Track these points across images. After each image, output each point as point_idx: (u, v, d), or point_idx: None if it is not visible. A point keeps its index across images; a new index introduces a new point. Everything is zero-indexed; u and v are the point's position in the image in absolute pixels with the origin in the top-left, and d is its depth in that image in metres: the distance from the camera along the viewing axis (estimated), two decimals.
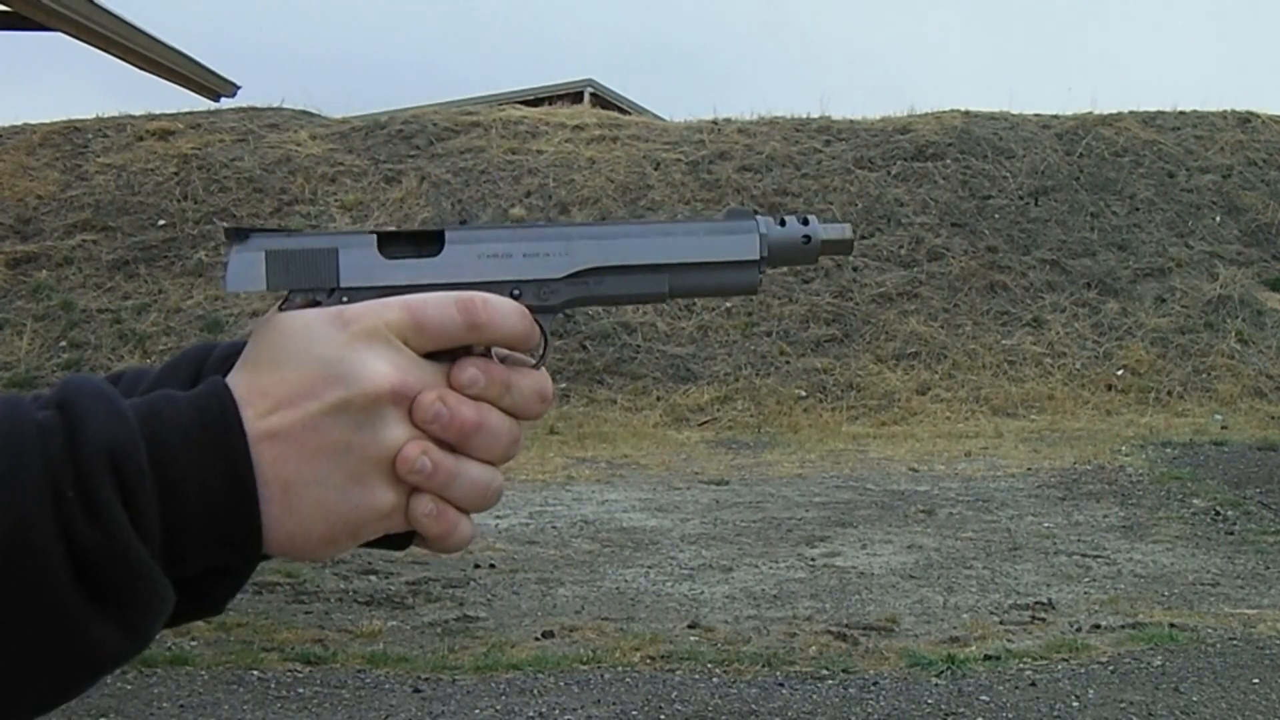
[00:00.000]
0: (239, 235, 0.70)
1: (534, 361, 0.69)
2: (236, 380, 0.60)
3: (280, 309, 0.65)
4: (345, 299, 0.67)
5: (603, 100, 19.84)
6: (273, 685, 4.84)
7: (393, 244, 0.69)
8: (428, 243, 0.70)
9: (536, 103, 17.86)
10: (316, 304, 0.67)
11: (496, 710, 4.58)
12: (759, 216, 0.78)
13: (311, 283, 0.68)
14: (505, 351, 0.67)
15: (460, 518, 0.63)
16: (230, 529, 0.58)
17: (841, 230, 0.82)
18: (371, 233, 0.69)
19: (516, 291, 0.70)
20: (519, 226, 0.72)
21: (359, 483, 0.60)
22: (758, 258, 0.77)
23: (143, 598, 0.55)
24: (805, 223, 0.80)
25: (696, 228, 0.77)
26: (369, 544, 0.64)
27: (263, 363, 0.61)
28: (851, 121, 16.44)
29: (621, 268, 0.74)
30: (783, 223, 0.79)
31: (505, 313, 0.64)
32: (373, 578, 6.46)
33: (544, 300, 0.71)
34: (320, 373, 0.60)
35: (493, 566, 6.73)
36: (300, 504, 0.59)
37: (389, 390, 0.60)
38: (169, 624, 0.62)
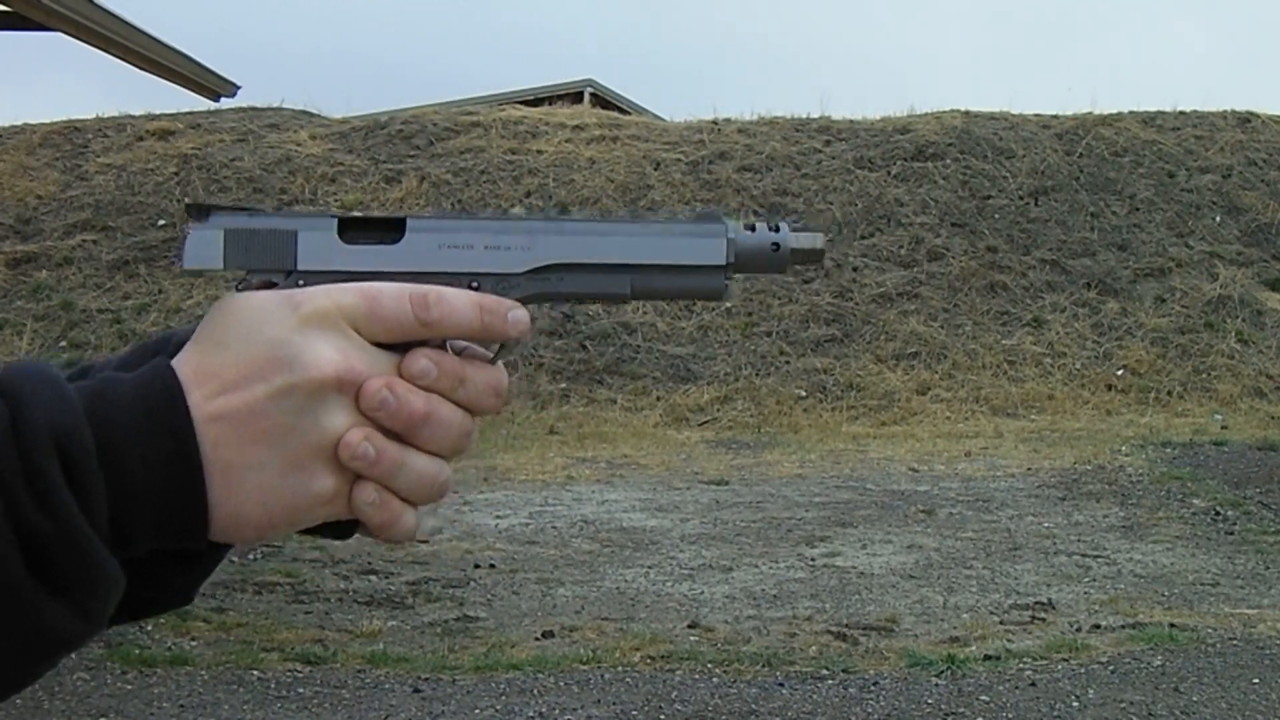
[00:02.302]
0: (200, 212, 0.68)
1: (490, 355, 0.68)
2: (185, 360, 0.60)
3: (236, 289, 0.64)
4: (301, 282, 0.66)
5: (603, 100, 19.84)
6: (273, 685, 4.84)
7: (354, 229, 0.68)
8: (389, 230, 0.69)
9: (536, 103, 17.86)
10: (272, 285, 0.66)
11: (496, 710, 4.58)
12: (728, 221, 0.76)
13: (269, 264, 0.67)
14: (464, 344, 0.66)
15: (404, 508, 0.62)
16: (176, 510, 0.57)
17: (812, 239, 0.79)
18: (333, 216, 0.69)
19: (475, 284, 0.68)
20: (482, 217, 0.71)
21: (300, 468, 0.60)
22: (724, 263, 0.75)
23: (92, 578, 0.55)
24: (776, 229, 0.78)
25: (663, 229, 0.75)
26: (310, 531, 0.64)
27: (212, 343, 0.60)
28: (851, 121, 16.44)
29: (583, 265, 0.72)
30: (752, 228, 0.77)
31: (459, 308, 0.64)
32: (373, 578, 6.46)
33: (503, 294, 0.69)
34: (267, 355, 0.59)
35: (493, 566, 6.73)
36: (239, 487, 0.59)
37: (334, 376, 0.60)
38: (137, 615, 0.62)
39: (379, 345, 0.62)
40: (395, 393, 0.61)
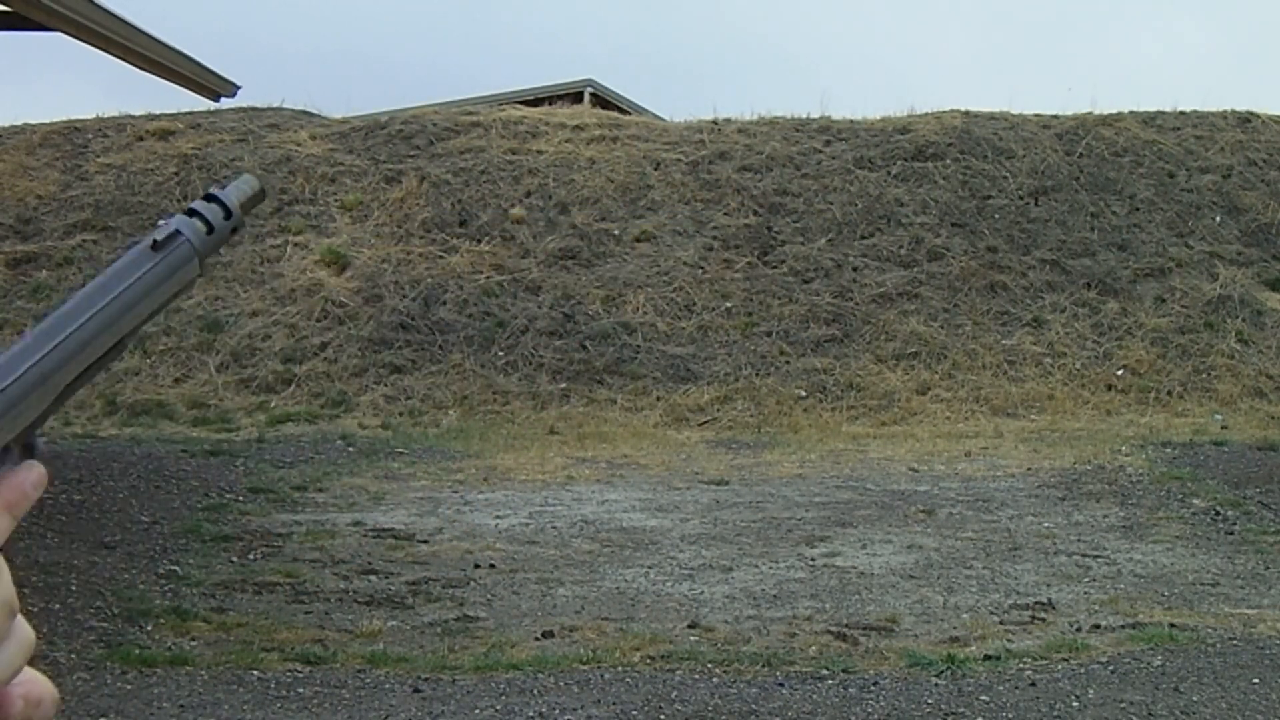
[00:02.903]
0: None
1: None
2: None
3: None
4: None
5: (603, 100, 19.84)
6: (273, 685, 4.84)
7: None
8: None
9: (536, 103, 17.86)
10: None
11: (496, 710, 4.58)
12: (178, 227, 0.72)
13: None
14: None
15: None
16: None
17: (250, 184, 0.79)
18: None
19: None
20: None
21: None
22: (198, 273, 0.73)
23: None
24: (212, 200, 0.75)
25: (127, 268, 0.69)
26: None
27: None
28: (851, 121, 16.44)
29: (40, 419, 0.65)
30: (209, 228, 0.74)
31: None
32: (373, 578, 6.46)
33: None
34: None
35: (493, 566, 6.72)
36: None
37: None
38: None
39: None
40: None
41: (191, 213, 0.74)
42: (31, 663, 0.61)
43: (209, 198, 0.76)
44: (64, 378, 0.64)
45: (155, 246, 0.71)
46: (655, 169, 15.31)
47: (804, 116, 16.62)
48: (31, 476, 0.60)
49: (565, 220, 14.52)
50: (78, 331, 0.65)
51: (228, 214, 0.76)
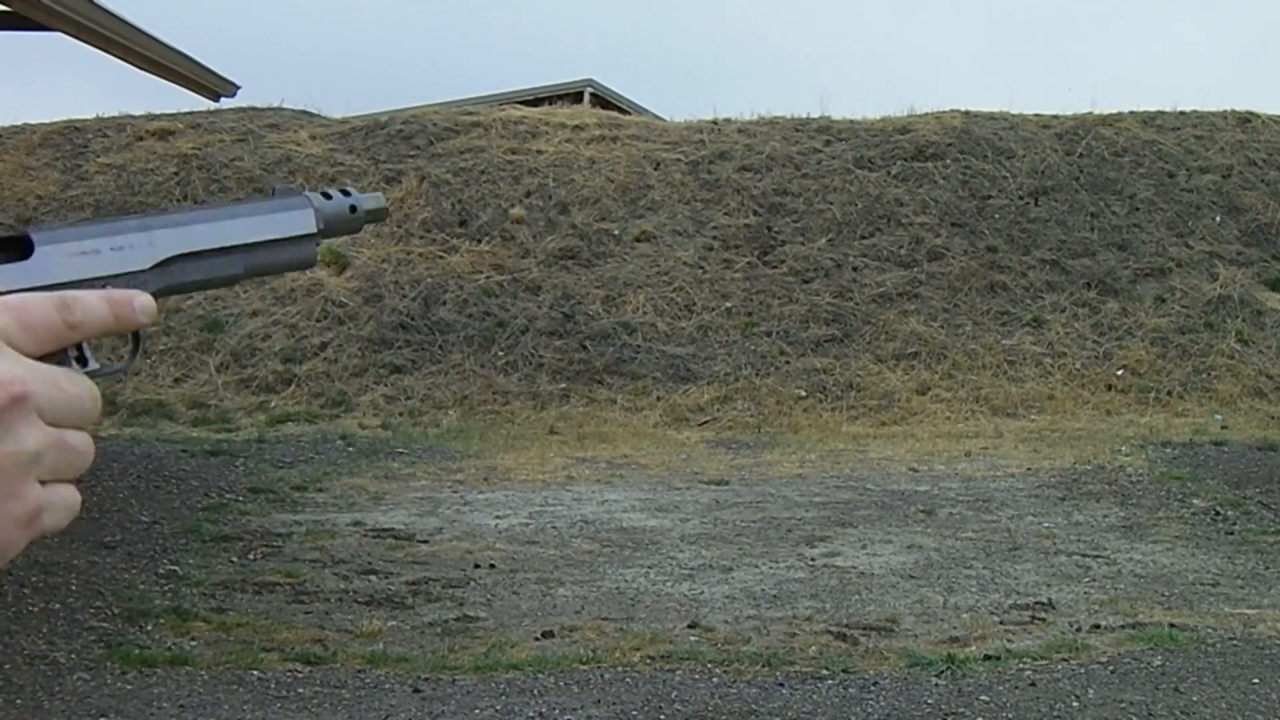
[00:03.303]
0: None
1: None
2: None
3: None
4: None
5: (603, 100, 19.84)
6: (273, 685, 4.84)
7: None
8: (15, 248, 0.71)
9: (536, 103, 17.86)
10: None
11: (496, 710, 4.58)
12: (306, 193, 0.82)
13: None
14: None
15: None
16: None
17: (377, 199, 0.88)
18: None
19: (106, 286, 0.71)
20: (102, 222, 0.74)
21: (11, 495, 0.60)
22: (315, 231, 0.81)
23: None
24: (347, 194, 0.85)
25: (259, 207, 0.80)
26: None
27: None
28: (851, 121, 16.44)
29: (201, 253, 0.77)
30: (328, 195, 0.84)
31: (94, 305, 0.66)
32: (373, 578, 6.46)
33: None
34: None
35: (493, 566, 6.72)
36: None
37: (8, 397, 0.59)
38: None
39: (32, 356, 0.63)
40: (67, 392, 0.63)
41: (320, 191, 0.85)
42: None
43: (343, 191, 0.87)
44: (195, 245, 0.77)
45: (274, 194, 0.82)
46: (655, 169, 15.31)
47: (804, 116, 16.63)
48: (142, 297, 0.68)
49: (565, 220, 14.52)
50: (209, 225, 0.78)
51: (352, 207, 0.85)
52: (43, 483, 0.62)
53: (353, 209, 0.85)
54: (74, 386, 0.63)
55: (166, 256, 0.75)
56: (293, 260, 0.82)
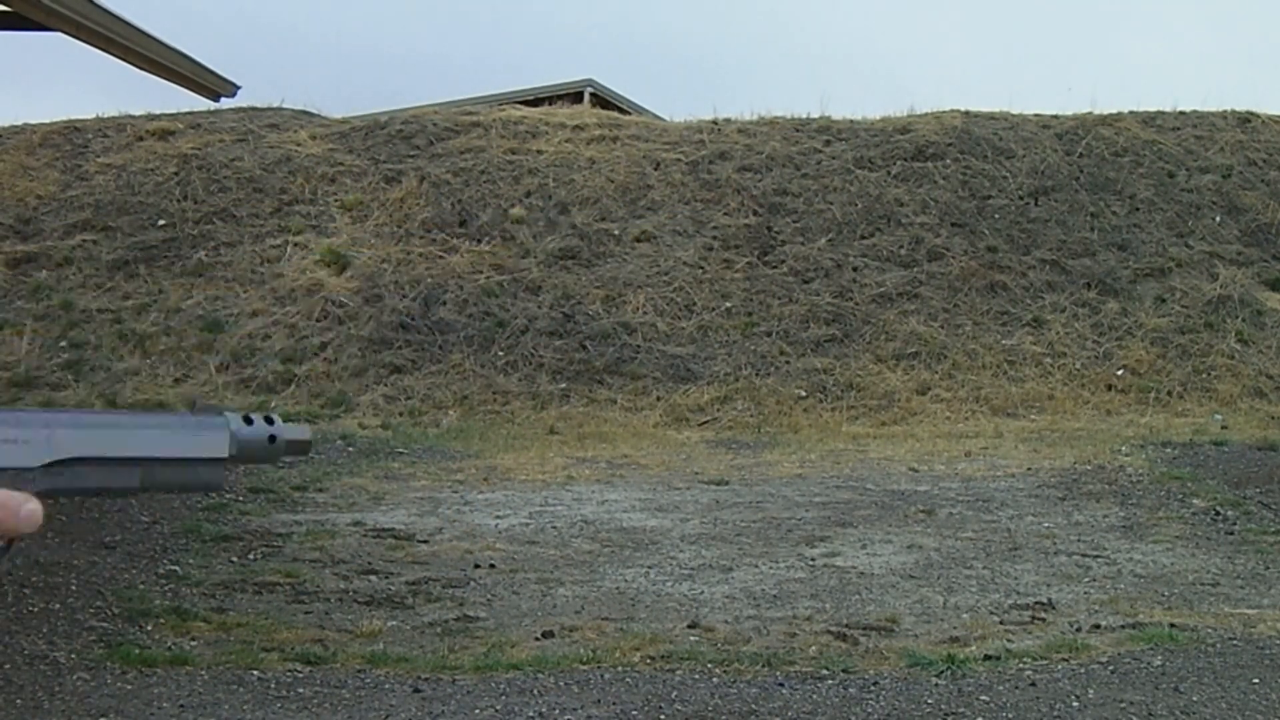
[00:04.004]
0: None
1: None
2: None
3: None
4: None
5: (603, 100, 19.84)
6: (273, 685, 4.83)
7: None
8: None
9: (536, 103, 17.86)
10: None
11: (496, 710, 4.58)
12: (228, 414, 0.80)
13: None
14: None
15: None
16: None
17: (301, 431, 0.85)
18: None
19: None
20: (7, 410, 0.72)
21: None
22: (226, 456, 0.78)
23: None
24: (270, 422, 0.82)
25: (173, 422, 0.77)
26: None
27: None
28: (851, 121, 16.45)
29: (97, 460, 0.73)
30: (249, 420, 0.81)
31: None
32: (373, 578, 6.45)
33: (20, 488, 0.69)
34: None
35: (493, 566, 6.72)
36: None
37: None
38: None
39: None
40: None
41: (243, 414, 0.82)
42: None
43: (267, 418, 0.84)
44: (92, 451, 0.73)
45: (194, 407, 0.80)
46: (655, 169, 15.31)
47: (804, 116, 16.63)
48: (30, 504, 0.65)
49: (565, 220, 14.52)
50: (109, 431, 0.74)
51: (271, 436, 0.82)
52: None
53: (272, 439, 0.81)
54: None
55: (62, 458, 0.71)
56: (197, 481, 0.78)
